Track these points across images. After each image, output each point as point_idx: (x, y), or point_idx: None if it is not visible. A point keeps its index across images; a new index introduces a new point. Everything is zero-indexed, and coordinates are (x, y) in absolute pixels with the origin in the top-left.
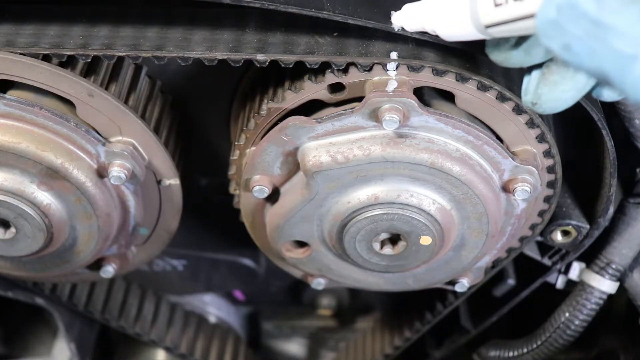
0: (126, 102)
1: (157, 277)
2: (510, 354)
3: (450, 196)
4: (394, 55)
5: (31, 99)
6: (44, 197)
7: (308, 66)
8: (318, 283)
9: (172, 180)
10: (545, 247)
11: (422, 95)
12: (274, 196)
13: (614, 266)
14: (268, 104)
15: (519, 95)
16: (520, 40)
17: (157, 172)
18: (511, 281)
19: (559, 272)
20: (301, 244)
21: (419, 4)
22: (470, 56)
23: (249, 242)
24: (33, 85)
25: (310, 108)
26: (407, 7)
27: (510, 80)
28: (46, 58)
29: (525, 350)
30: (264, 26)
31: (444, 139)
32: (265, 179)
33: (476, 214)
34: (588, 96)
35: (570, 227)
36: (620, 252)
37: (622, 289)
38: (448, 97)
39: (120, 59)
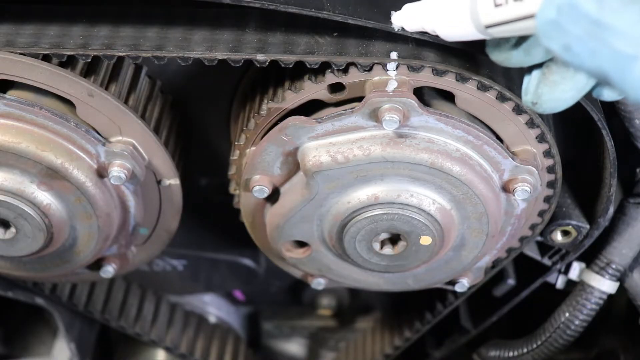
0: (126, 102)
1: (157, 277)
2: (510, 354)
3: (450, 196)
4: (394, 55)
5: (31, 99)
6: (44, 197)
7: (308, 66)
8: (318, 283)
9: (172, 180)
10: (545, 247)
11: (422, 95)
12: (274, 196)
13: (614, 266)
14: (268, 104)
15: (519, 95)
16: (521, 40)
17: (157, 172)
18: (511, 281)
19: (559, 272)
20: (301, 244)
21: (419, 4)
22: (470, 56)
23: (249, 242)
24: (33, 85)
25: (310, 108)
26: (407, 7)
27: (510, 80)
28: (46, 58)
29: (525, 350)
30: (264, 26)
31: (444, 139)
32: (265, 179)
33: (476, 214)
34: (588, 96)
35: (570, 227)
36: (620, 252)
37: (622, 289)
38: (448, 97)
39: (120, 59)
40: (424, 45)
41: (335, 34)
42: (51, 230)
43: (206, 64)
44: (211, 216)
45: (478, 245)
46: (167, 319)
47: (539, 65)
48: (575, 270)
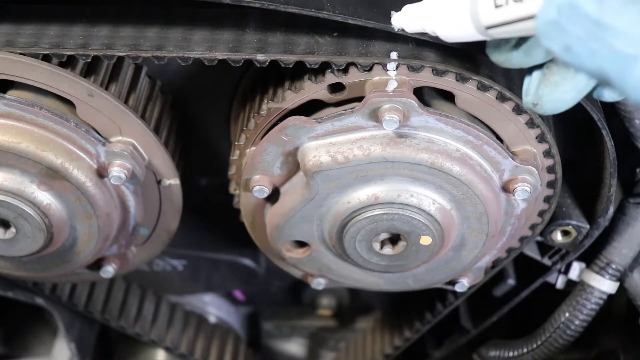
0: (126, 102)
1: (157, 277)
2: (510, 354)
3: (450, 196)
4: (394, 55)
5: (31, 99)
6: (44, 197)
7: (308, 66)
8: (318, 283)
9: (172, 180)
10: (545, 247)
11: (422, 95)
12: (274, 196)
13: (614, 266)
14: (268, 104)
15: (519, 95)
16: (521, 41)
17: (157, 172)
18: (511, 281)
19: (559, 272)
20: (301, 244)
21: (419, 5)
22: (470, 56)
23: (249, 242)
24: (33, 85)
25: (310, 108)
26: (407, 8)
27: (511, 80)
28: (46, 58)
29: (525, 350)
30: (264, 26)
31: (444, 139)
32: (265, 179)
33: (476, 214)
34: (588, 96)
35: (570, 227)
36: (620, 252)
37: (622, 289)
38: (448, 97)
39: (120, 59)
40: (424, 45)
41: (335, 34)
42: (51, 230)
43: (206, 64)
44: (211, 216)
45: (478, 245)
46: (167, 319)
47: (539, 66)
48: (575, 270)
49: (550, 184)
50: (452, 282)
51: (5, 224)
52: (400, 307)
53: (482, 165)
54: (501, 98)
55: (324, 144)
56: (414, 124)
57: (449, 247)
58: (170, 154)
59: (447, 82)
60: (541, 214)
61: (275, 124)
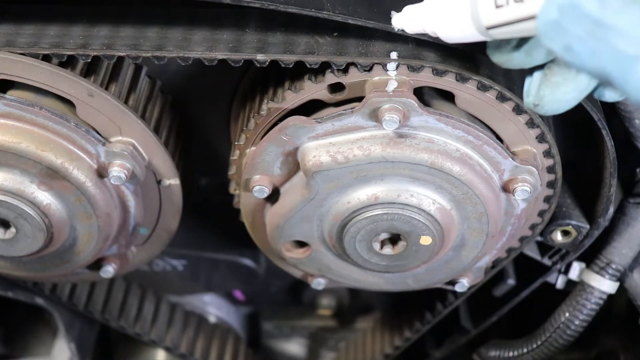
0: (126, 102)
1: (157, 277)
2: (510, 354)
3: (450, 196)
4: (394, 55)
5: (31, 99)
6: (44, 197)
7: (308, 66)
8: (318, 283)
9: (172, 180)
10: (545, 247)
11: (422, 95)
12: (274, 196)
13: (614, 266)
14: (268, 104)
15: (519, 95)
16: (522, 41)
17: (157, 172)
18: (511, 281)
19: (559, 272)
20: (301, 244)
21: (420, 6)
22: (470, 56)
23: (249, 242)
24: (33, 85)
25: (310, 108)
26: (407, 9)
27: (511, 80)
28: (46, 58)
29: (525, 350)
30: (264, 26)
31: (444, 139)
32: (265, 179)
33: (476, 214)
34: (589, 96)
35: (570, 227)
36: (620, 252)
37: (622, 289)
38: (448, 97)
39: (120, 59)
40: (424, 45)
41: (335, 34)
42: (51, 230)
43: (206, 64)
44: (211, 216)
45: (478, 245)
46: (167, 319)
47: (540, 67)
48: (575, 270)
49: (550, 184)
50: (452, 282)
51: (5, 224)
52: (400, 307)
53: (482, 165)
54: (501, 98)
55: (324, 144)
56: (414, 124)
57: (449, 247)
58: (170, 154)
59: (447, 82)
60: (541, 214)
61: (275, 124)
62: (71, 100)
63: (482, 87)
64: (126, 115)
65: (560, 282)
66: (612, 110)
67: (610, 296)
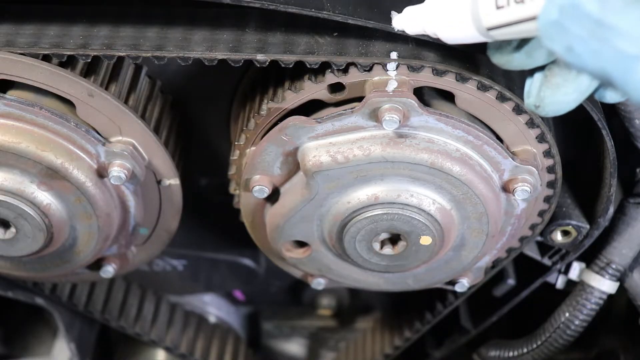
0: (126, 102)
1: (157, 277)
2: (510, 354)
3: (450, 196)
4: (394, 55)
5: (31, 99)
6: (44, 197)
7: (308, 66)
8: (318, 283)
9: (172, 180)
10: (545, 247)
11: (422, 95)
12: (274, 196)
13: (614, 266)
14: (268, 104)
15: (519, 95)
16: (522, 42)
17: (157, 172)
18: (511, 281)
19: (559, 272)
20: (301, 244)
21: (420, 7)
22: (470, 56)
23: (249, 242)
24: (33, 85)
25: (310, 108)
26: (407, 10)
27: (511, 81)
28: (46, 58)
29: (525, 350)
30: (264, 26)
31: (444, 139)
32: (265, 179)
33: (476, 214)
34: (589, 97)
35: (570, 227)
36: (620, 252)
37: (622, 289)
38: (448, 97)
39: (120, 59)
40: (424, 45)
41: (335, 34)
42: (51, 230)
43: (206, 64)
44: (211, 216)
45: (478, 245)
46: (167, 319)
47: (541, 68)
48: (575, 270)
49: (550, 184)
50: (452, 282)
51: (5, 224)
52: (400, 307)
53: (482, 165)
54: (501, 98)
55: (324, 144)
56: (414, 124)
57: (449, 247)
58: (170, 154)
59: (447, 82)
60: (541, 214)
61: (275, 124)
62: (71, 100)
63: (482, 87)
64: (126, 115)
65: (560, 282)
66: (612, 110)
67: (610, 296)
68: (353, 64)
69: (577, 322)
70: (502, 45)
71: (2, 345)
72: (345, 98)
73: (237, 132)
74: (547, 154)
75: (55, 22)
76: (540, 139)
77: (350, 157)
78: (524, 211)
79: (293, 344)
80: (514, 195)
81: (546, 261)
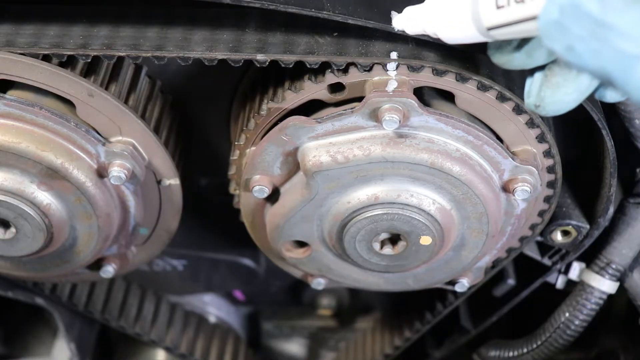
0: (126, 102)
1: (157, 277)
2: (510, 354)
3: (450, 196)
4: (394, 55)
5: (31, 99)
6: (44, 197)
7: (308, 66)
8: (318, 283)
9: (172, 180)
10: (545, 247)
11: (422, 95)
12: (274, 196)
13: (614, 266)
14: (268, 104)
15: (519, 95)
16: (523, 42)
17: (157, 172)
18: (511, 281)
19: (559, 272)
20: (301, 244)
21: (420, 7)
22: (470, 56)
23: (249, 242)
24: (33, 85)
25: (310, 108)
26: (408, 10)
27: (511, 80)
28: (46, 58)
29: (525, 350)
30: (264, 26)
31: (444, 139)
32: (265, 179)
33: (476, 214)
34: (589, 96)
35: (570, 227)
36: (620, 252)
37: (622, 289)
38: (448, 97)
39: (120, 59)
40: (424, 45)
41: (335, 34)
42: (51, 230)
43: (206, 64)
44: (211, 216)
45: (478, 245)
46: (167, 319)
47: (541, 68)
48: (575, 270)
49: (550, 184)
50: (452, 282)
51: (5, 224)
52: (400, 307)
53: (482, 165)
54: (501, 98)
55: (324, 144)
56: (414, 124)
57: (449, 247)
58: (170, 154)
59: (447, 82)
60: (541, 214)
61: (275, 124)
62: (71, 100)
63: (482, 87)
64: (126, 115)
65: (560, 282)
66: (612, 110)
67: (610, 296)
68: (353, 64)
69: (577, 322)
70: (502, 45)
71: (2, 345)
72: (345, 98)
73: (237, 132)
74: (547, 154)
75: (55, 22)
76: (540, 139)
77: (350, 157)
78: (524, 211)
79: (293, 344)
80: (514, 195)
81: (546, 261)
